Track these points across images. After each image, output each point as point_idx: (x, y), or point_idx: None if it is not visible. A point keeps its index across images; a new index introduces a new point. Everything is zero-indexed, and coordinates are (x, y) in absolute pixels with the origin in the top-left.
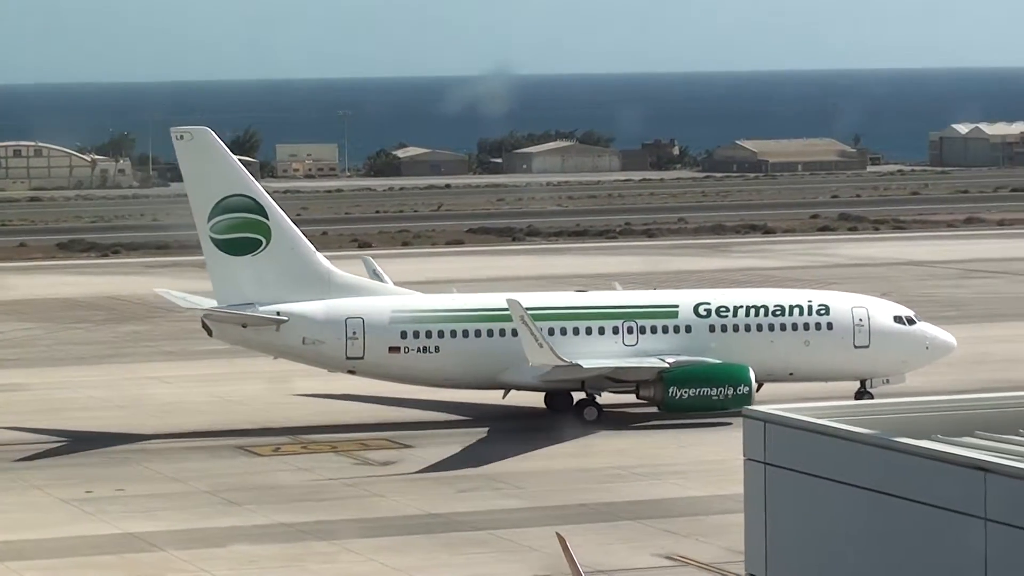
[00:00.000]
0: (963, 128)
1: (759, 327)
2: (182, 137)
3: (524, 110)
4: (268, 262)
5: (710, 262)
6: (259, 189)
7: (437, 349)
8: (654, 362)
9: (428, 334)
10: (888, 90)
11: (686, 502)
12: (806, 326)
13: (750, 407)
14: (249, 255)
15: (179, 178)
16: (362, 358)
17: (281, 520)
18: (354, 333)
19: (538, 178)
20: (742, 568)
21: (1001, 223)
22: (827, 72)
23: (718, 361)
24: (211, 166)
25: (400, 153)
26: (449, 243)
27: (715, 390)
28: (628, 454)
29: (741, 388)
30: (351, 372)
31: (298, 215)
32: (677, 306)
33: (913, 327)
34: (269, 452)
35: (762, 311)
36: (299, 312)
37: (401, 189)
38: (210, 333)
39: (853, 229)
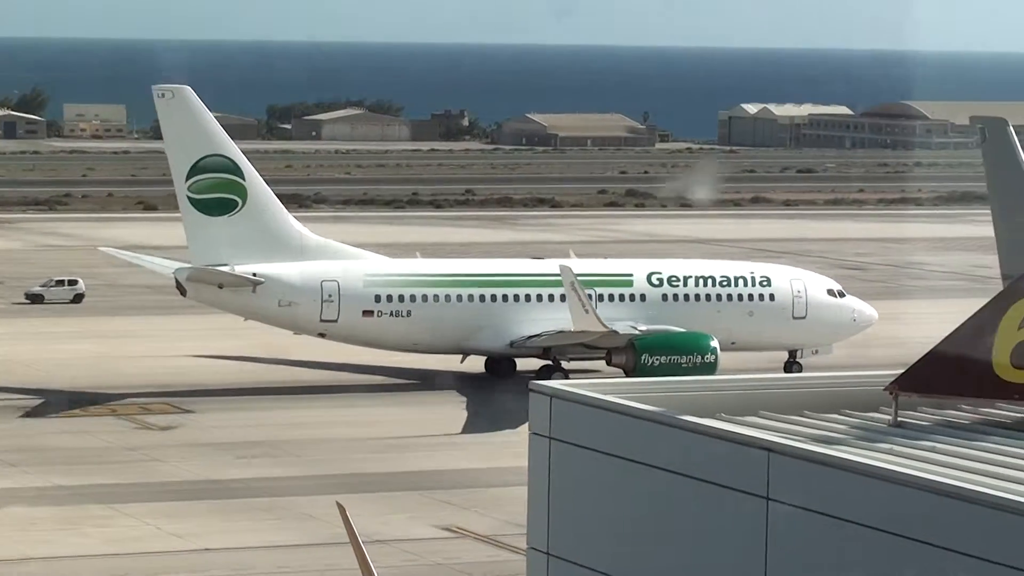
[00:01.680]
0: (752, 108)
1: (707, 297)
2: (163, 95)
3: (317, 76)
4: (244, 223)
5: (497, 234)
6: (236, 150)
7: (409, 313)
8: (627, 328)
9: (401, 298)
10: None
11: (464, 473)
12: (750, 297)
13: (536, 382)
14: (226, 215)
15: None
16: (336, 321)
17: (58, 483)
18: (329, 296)
19: (327, 145)
20: (522, 541)
21: (787, 203)
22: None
23: (683, 330)
24: (191, 125)
25: None
26: None
27: (684, 358)
28: (409, 425)
29: (708, 356)
30: (321, 335)
31: (84, 175)
32: (631, 275)
33: (843, 300)
34: (50, 414)
35: (710, 281)
36: (275, 274)
37: None
38: (183, 293)
39: (640, 205)
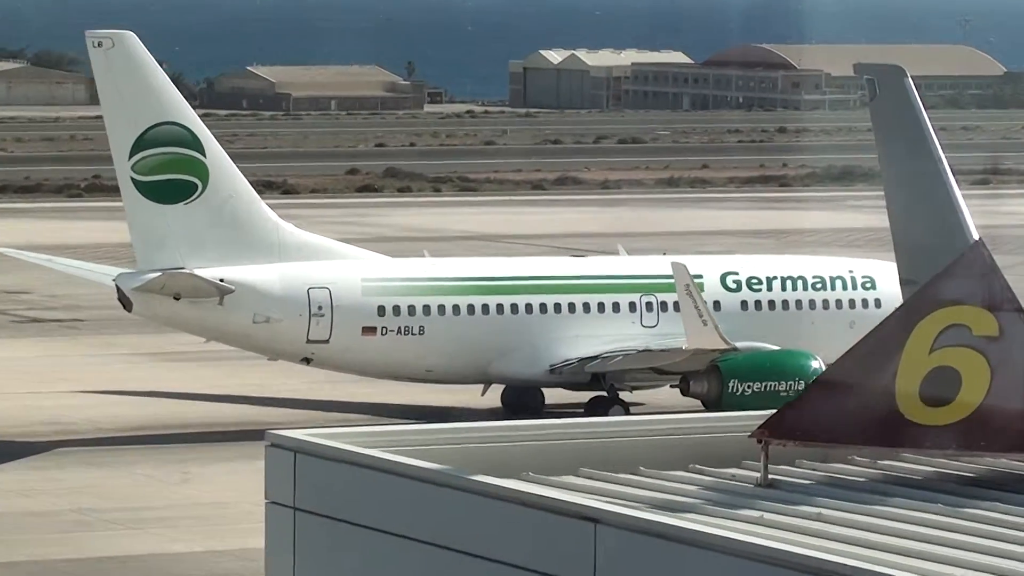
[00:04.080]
0: (556, 56)
1: (798, 303)
2: (100, 44)
3: None
4: (205, 212)
5: None
6: (195, 116)
7: (422, 330)
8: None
9: (412, 310)
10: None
11: (171, 560)
12: (851, 303)
13: (276, 432)
14: (181, 203)
15: None
16: (327, 341)
17: None
18: (319, 308)
19: None
20: None
21: (605, 184)
22: None
23: (778, 348)
24: (136, 84)
25: None
26: None
27: (783, 384)
28: (100, 492)
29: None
30: (307, 361)
31: None
32: (700, 276)
33: None
34: None
35: (800, 284)
36: (248, 280)
37: None
38: (128, 307)
39: (405, 190)
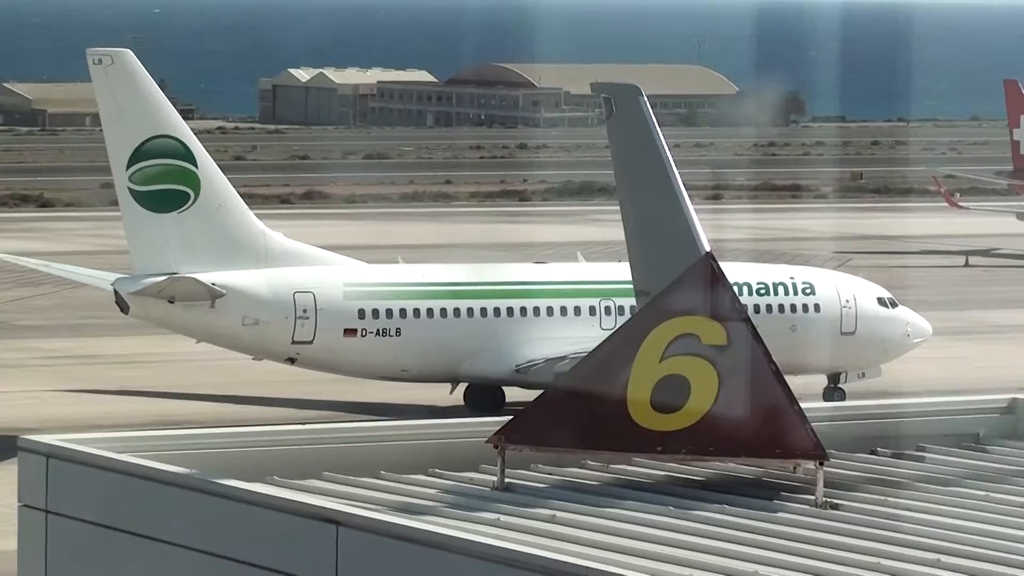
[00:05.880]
0: (304, 74)
1: (756, 309)
2: (100, 61)
3: None
4: (197, 221)
5: None
6: (187, 130)
7: (399, 332)
8: None
9: (389, 313)
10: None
11: None
12: (792, 308)
13: (28, 437)
14: (175, 212)
15: None
16: (311, 342)
17: None
18: (304, 311)
19: None
20: None
21: (351, 199)
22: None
23: None
24: (133, 99)
25: None
26: None
27: None
28: None
29: None
30: (291, 361)
31: None
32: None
33: (895, 311)
34: None
35: (745, 289)
36: (238, 285)
37: None
38: (125, 310)
39: None
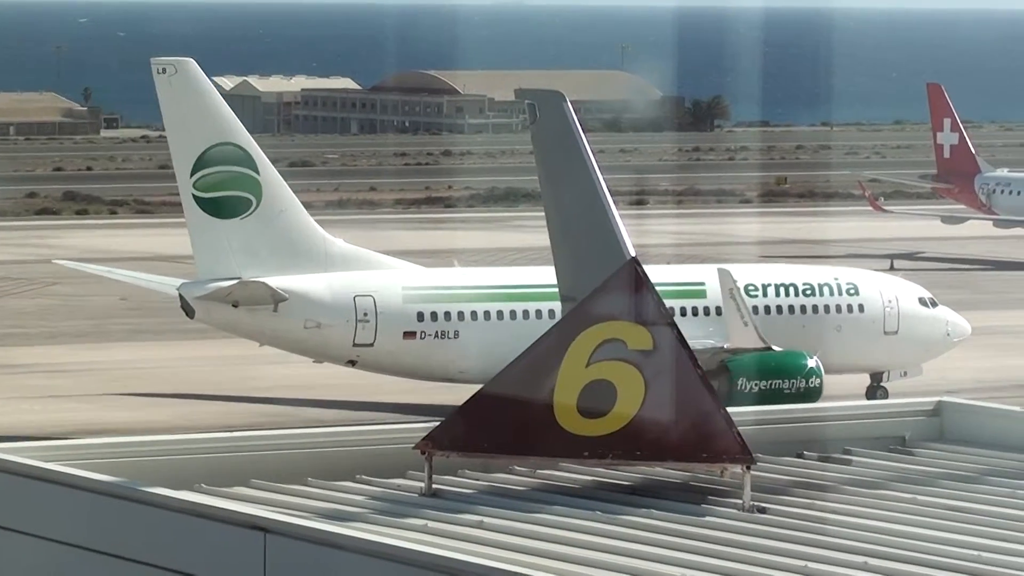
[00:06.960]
0: (228, 82)
1: (791, 309)
2: (164, 71)
3: None
4: (259, 226)
5: None
6: (249, 138)
7: (456, 334)
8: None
9: (448, 316)
10: (137, 24)
11: None
12: (838, 308)
13: None
14: (238, 218)
15: None
16: (371, 345)
17: None
18: (365, 315)
19: None
20: None
21: None
22: (47, 2)
23: (780, 348)
24: (197, 107)
25: None
26: None
27: (787, 382)
28: None
29: (813, 380)
30: (352, 363)
31: None
32: (703, 283)
33: (935, 310)
34: None
35: (792, 290)
36: (300, 289)
37: None
38: (190, 314)
39: (83, 212)
